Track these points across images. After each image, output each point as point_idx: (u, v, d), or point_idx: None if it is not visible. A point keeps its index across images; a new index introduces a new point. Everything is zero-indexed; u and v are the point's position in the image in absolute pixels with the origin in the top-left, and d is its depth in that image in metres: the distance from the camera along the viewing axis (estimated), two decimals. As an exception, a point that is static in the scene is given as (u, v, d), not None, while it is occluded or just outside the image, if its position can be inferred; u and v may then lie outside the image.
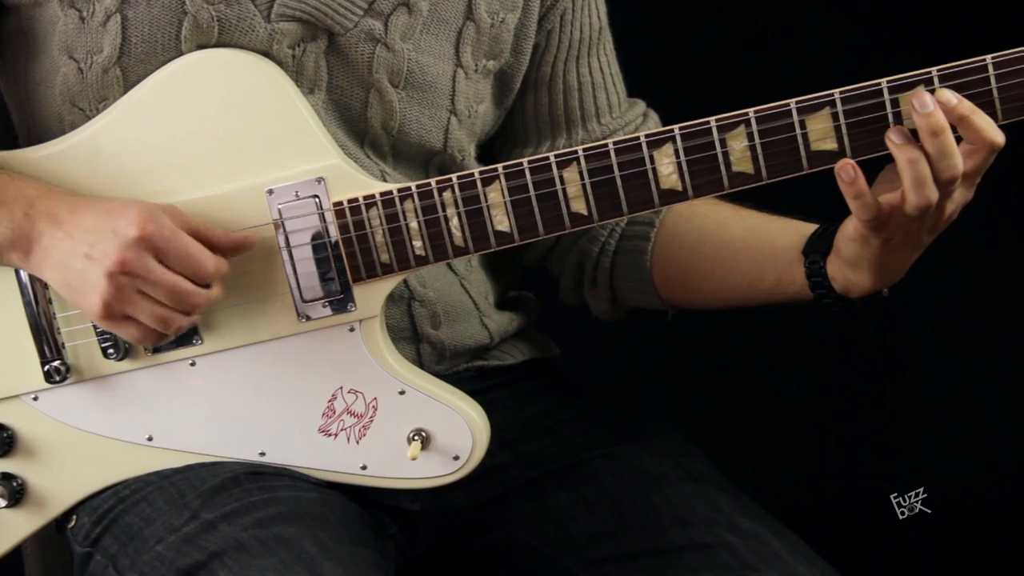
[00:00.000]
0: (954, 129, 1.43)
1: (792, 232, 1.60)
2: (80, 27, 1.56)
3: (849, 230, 1.49)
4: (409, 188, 1.53)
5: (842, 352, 2.93)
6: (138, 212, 1.48)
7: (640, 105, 1.79)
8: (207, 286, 1.50)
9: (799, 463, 2.96)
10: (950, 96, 1.42)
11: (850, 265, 1.51)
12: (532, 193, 1.52)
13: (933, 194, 1.43)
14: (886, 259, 1.49)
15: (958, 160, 1.42)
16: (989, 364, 2.94)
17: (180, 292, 1.48)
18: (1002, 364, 2.93)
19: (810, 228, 1.58)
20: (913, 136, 1.43)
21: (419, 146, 1.66)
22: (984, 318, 2.94)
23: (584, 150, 1.50)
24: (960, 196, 1.47)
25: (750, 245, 1.63)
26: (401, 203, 1.54)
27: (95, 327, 1.57)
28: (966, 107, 1.42)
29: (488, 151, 1.77)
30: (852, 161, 1.44)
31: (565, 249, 1.77)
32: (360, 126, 1.63)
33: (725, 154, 1.48)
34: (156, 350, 1.57)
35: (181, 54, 1.55)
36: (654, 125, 1.77)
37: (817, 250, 1.55)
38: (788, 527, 1.61)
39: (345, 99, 1.62)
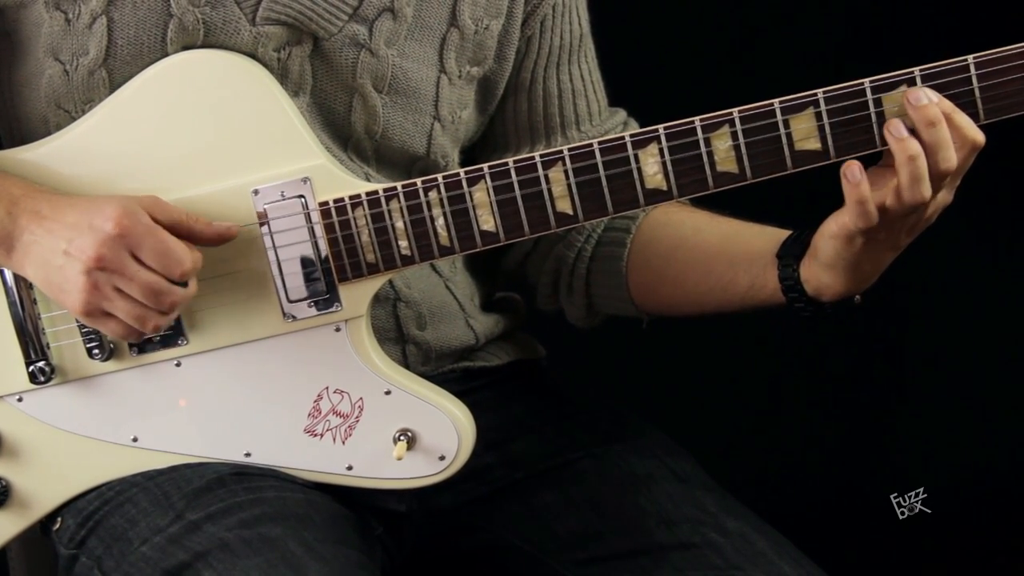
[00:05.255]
0: None
1: (767, 237, 1.60)
2: (65, 29, 1.56)
3: (832, 228, 1.48)
4: (395, 188, 1.54)
5: (842, 352, 2.93)
6: (115, 208, 1.47)
7: (621, 114, 1.79)
8: (184, 283, 1.50)
9: (799, 463, 2.96)
10: (931, 95, 1.42)
11: (825, 267, 1.51)
12: (518, 193, 1.52)
13: (928, 191, 1.43)
14: (863, 260, 1.50)
15: (952, 152, 1.43)
16: (989, 364, 2.94)
17: (155, 291, 1.48)
18: (1002, 364, 2.94)
19: (785, 233, 1.59)
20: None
21: (402, 151, 1.66)
22: (984, 318, 2.94)
23: (569, 150, 1.51)
24: (941, 198, 1.47)
25: (725, 249, 1.63)
26: (387, 203, 1.54)
27: (80, 327, 1.57)
28: (946, 106, 1.43)
29: (471, 157, 1.77)
30: (859, 163, 1.44)
31: (542, 255, 1.76)
32: (344, 130, 1.64)
33: (710, 153, 1.49)
34: (141, 351, 1.57)
35: (167, 56, 1.55)
36: None
37: (791, 253, 1.55)
38: (787, 527, 1.61)
39: (329, 103, 1.62)
